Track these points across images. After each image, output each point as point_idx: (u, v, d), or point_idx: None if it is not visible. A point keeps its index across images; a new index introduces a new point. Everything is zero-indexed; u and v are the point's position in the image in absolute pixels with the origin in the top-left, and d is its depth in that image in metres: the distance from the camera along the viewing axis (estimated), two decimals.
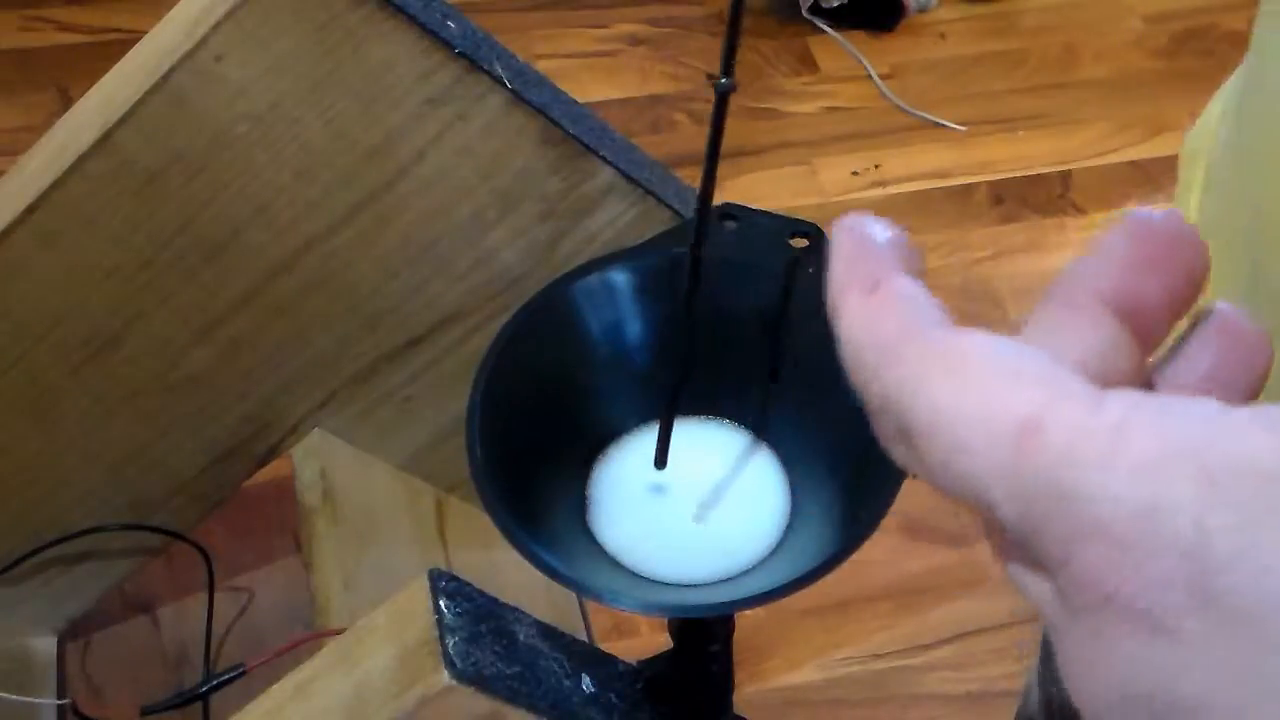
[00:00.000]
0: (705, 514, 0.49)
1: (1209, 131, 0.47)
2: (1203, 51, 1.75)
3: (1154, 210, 0.22)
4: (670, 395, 0.46)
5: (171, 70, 0.59)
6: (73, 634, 0.89)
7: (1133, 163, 1.60)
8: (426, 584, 0.49)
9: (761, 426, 0.52)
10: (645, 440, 0.51)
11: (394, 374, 0.76)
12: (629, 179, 0.67)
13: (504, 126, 0.64)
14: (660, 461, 0.47)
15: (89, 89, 0.65)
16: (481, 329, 0.73)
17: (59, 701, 0.80)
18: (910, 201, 1.56)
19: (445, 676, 0.46)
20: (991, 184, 1.58)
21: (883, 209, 1.54)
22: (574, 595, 0.78)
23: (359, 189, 0.66)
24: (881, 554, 1.21)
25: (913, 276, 0.23)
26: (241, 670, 0.69)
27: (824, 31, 1.76)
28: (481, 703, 0.47)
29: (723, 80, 0.38)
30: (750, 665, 1.14)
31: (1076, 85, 1.72)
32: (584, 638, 0.71)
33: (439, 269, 0.70)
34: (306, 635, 0.68)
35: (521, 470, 0.47)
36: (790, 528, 0.49)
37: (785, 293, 0.51)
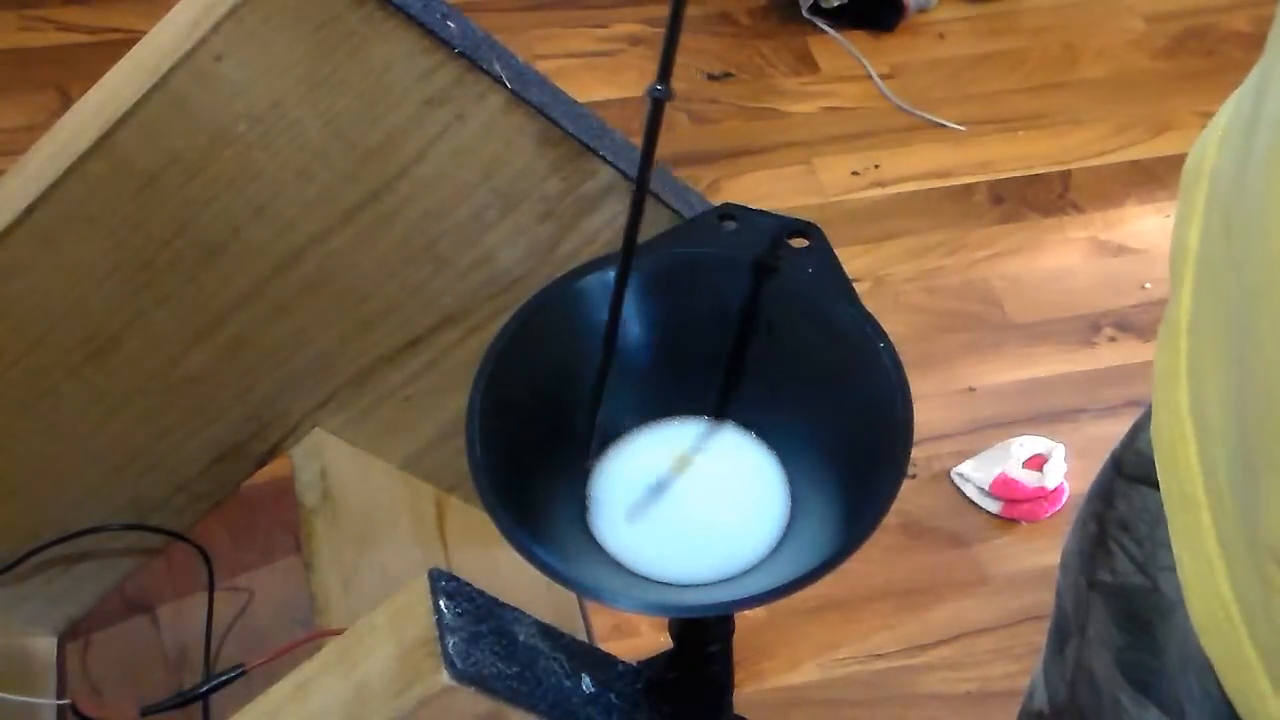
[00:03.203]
0: (639, 514, 0.49)
1: (1211, 147, 0.43)
2: (1203, 51, 1.75)
3: None
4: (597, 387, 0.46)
5: (171, 70, 0.59)
6: (73, 634, 0.89)
7: (1133, 163, 1.60)
8: (426, 584, 0.49)
9: (761, 426, 0.52)
10: (645, 440, 0.51)
11: (394, 374, 0.76)
12: (629, 179, 0.67)
13: (504, 126, 0.64)
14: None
15: (89, 89, 0.65)
16: (481, 329, 0.73)
17: (59, 701, 0.80)
18: (910, 201, 1.56)
19: (445, 676, 0.46)
20: (991, 184, 1.58)
21: (883, 209, 1.54)
22: (574, 595, 0.78)
23: (359, 189, 0.66)
24: (881, 554, 1.21)
25: None
26: (241, 670, 0.69)
27: (824, 31, 1.75)
28: (481, 703, 0.47)
29: (658, 88, 0.38)
30: (750, 665, 1.14)
31: (1076, 85, 1.72)
32: (584, 638, 0.71)
33: (439, 269, 0.70)
34: (306, 635, 0.68)
35: (521, 470, 0.47)
36: (790, 528, 0.49)
37: (784, 293, 0.51)
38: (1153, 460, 0.45)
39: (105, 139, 0.61)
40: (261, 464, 0.80)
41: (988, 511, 1.24)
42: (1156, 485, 0.45)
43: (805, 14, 1.76)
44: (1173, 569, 0.45)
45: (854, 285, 0.50)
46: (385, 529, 0.80)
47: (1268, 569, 0.34)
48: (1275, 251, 0.33)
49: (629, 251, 0.42)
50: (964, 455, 1.28)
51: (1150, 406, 0.49)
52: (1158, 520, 0.47)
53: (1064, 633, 0.55)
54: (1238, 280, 0.37)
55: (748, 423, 0.52)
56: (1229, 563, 0.37)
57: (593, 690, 0.51)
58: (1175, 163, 1.61)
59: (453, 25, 0.62)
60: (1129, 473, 0.50)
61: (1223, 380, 0.38)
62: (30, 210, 0.62)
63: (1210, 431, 0.38)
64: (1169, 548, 0.43)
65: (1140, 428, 0.50)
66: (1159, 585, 0.47)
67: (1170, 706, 0.47)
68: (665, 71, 0.37)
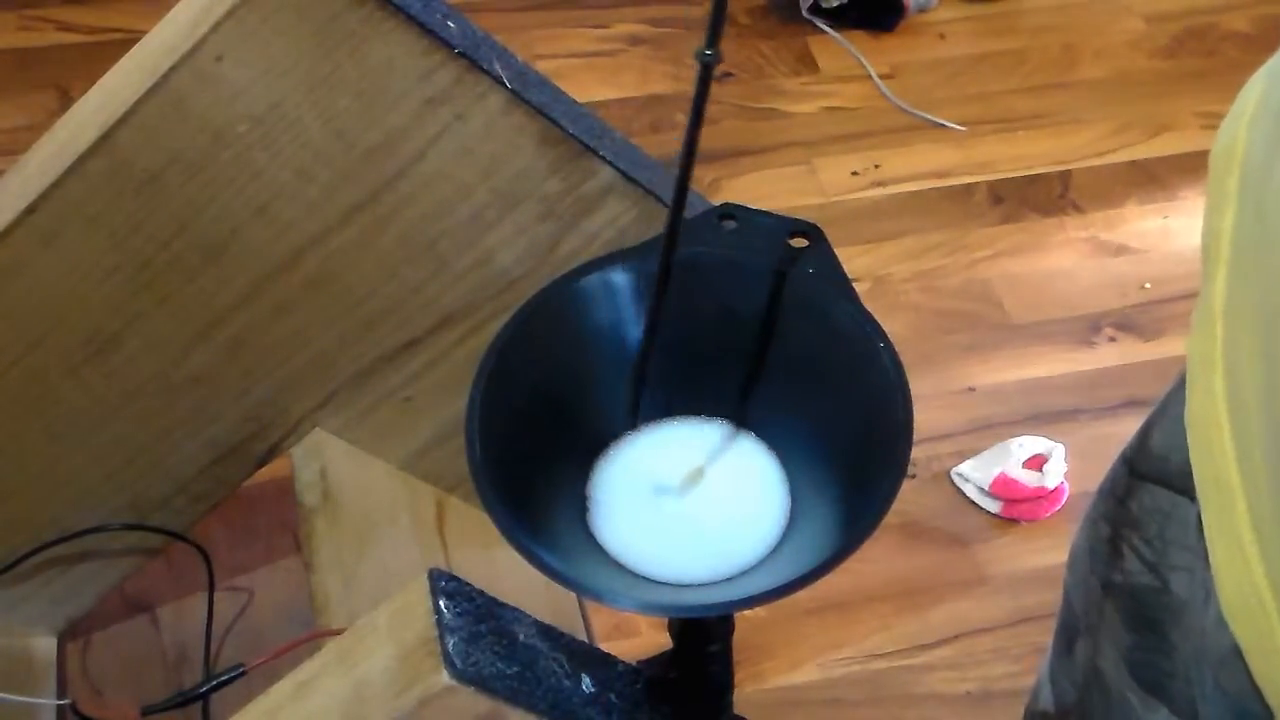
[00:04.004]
0: (687, 492, 0.49)
1: (1242, 130, 0.42)
2: (1203, 51, 1.75)
3: None
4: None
5: (171, 70, 0.59)
6: (73, 634, 0.89)
7: (1133, 163, 1.60)
8: (426, 584, 0.49)
9: (761, 426, 0.52)
10: (645, 440, 0.51)
11: (394, 374, 0.76)
12: (629, 179, 0.67)
13: (504, 126, 0.64)
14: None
15: (89, 89, 0.65)
16: (481, 329, 0.73)
17: (59, 701, 0.80)
18: (910, 201, 1.56)
19: (445, 676, 0.46)
20: (991, 184, 1.58)
21: (883, 209, 1.54)
22: (574, 595, 0.78)
23: (359, 189, 0.66)
24: (881, 554, 1.21)
25: None
26: (241, 670, 0.69)
27: (824, 31, 1.75)
28: (481, 703, 0.47)
29: (707, 53, 0.38)
30: (750, 665, 1.14)
31: (1076, 85, 1.71)
32: (584, 638, 0.71)
33: (439, 269, 0.70)
34: (306, 635, 0.68)
35: (521, 470, 0.47)
36: (790, 527, 0.49)
37: (784, 293, 0.51)
38: (1164, 459, 0.44)
39: (105, 139, 0.61)
40: (261, 464, 0.80)
41: (988, 511, 1.24)
42: (1168, 485, 0.45)
43: (805, 14, 1.76)
44: (1184, 569, 0.44)
45: (854, 285, 0.50)
46: (385, 529, 0.80)
47: None
48: None
49: (675, 220, 0.42)
50: (964, 455, 1.28)
51: (1159, 405, 0.49)
52: (1169, 520, 0.47)
53: (1072, 632, 0.55)
54: (1268, 262, 0.36)
55: (748, 423, 0.52)
56: (1263, 548, 0.37)
57: (593, 690, 0.52)
58: (1175, 163, 1.61)
59: (453, 25, 0.62)
60: (1140, 472, 0.49)
61: (1259, 365, 0.37)
62: (30, 210, 0.62)
63: (1247, 415, 0.38)
64: (1180, 547, 0.43)
65: (1151, 426, 0.50)
66: (1170, 585, 0.47)
67: (1180, 706, 0.46)
68: (714, 35, 0.37)
